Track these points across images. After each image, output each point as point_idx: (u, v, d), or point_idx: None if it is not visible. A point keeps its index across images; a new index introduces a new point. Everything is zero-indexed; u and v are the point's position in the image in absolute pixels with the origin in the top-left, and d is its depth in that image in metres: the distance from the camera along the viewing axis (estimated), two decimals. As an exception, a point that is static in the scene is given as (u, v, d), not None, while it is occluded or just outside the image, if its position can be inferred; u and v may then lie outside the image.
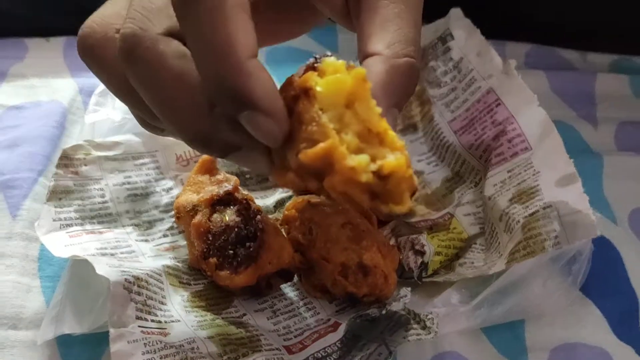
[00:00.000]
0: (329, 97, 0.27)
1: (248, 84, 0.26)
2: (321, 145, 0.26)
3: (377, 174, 0.26)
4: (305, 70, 0.29)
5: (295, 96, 0.28)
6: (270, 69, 0.61)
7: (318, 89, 0.27)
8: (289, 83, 0.29)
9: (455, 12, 0.53)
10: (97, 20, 0.32)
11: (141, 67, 0.29)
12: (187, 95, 0.28)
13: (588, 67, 0.63)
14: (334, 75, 0.28)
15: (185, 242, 0.43)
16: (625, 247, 0.47)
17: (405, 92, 0.30)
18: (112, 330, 0.33)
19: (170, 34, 0.29)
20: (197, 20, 0.26)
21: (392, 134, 0.27)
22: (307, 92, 0.27)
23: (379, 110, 0.28)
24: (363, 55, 0.30)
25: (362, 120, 0.28)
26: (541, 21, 0.64)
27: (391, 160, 0.26)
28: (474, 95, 0.49)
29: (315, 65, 0.28)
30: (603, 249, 0.47)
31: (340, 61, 0.28)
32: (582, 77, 0.61)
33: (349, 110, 0.28)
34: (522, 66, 0.63)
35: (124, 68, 0.29)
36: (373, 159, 0.27)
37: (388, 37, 0.30)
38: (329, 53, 0.29)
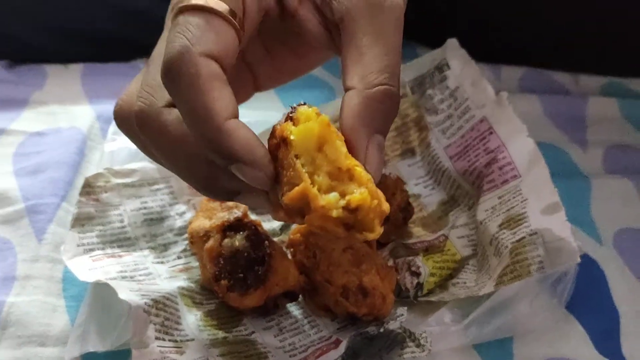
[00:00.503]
0: (301, 144, 0.31)
1: (228, 142, 0.30)
2: (296, 188, 0.31)
3: (347, 208, 0.30)
4: (285, 120, 0.33)
5: (277, 144, 0.32)
6: (279, 95, 0.65)
7: (292, 137, 0.31)
8: (273, 131, 0.33)
9: (452, 43, 0.55)
10: (124, 98, 0.38)
11: (150, 135, 0.34)
12: (187, 154, 0.33)
13: (580, 90, 0.66)
14: (304, 123, 0.32)
15: (197, 264, 0.47)
16: (609, 267, 0.50)
17: (384, 119, 0.34)
18: (134, 352, 0.37)
19: (172, 104, 0.34)
20: (179, 94, 0.31)
21: (359, 170, 0.31)
22: (284, 141, 0.32)
23: (344, 150, 0.32)
24: (344, 90, 0.34)
25: (331, 161, 0.32)
26: (535, 45, 0.68)
27: (356, 195, 0.30)
28: (469, 123, 0.52)
29: (291, 115, 0.33)
30: (588, 268, 0.50)
31: (312, 109, 0.32)
32: (574, 101, 0.64)
33: (320, 154, 0.32)
34: (517, 90, 0.66)
35: (140, 136, 0.35)
36: (343, 195, 0.31)
37: (361, 70, 0.33)
38: (302, 102, 0.33)
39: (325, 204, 0.30)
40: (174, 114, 0.33)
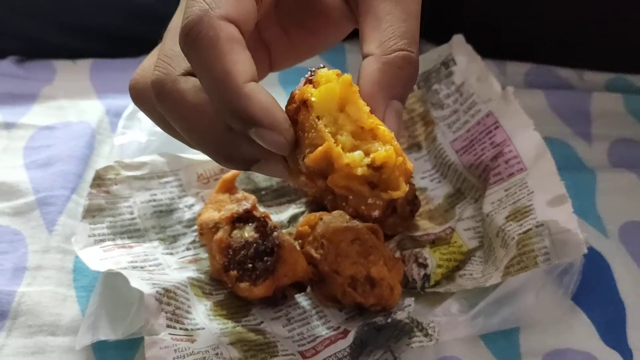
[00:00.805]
0: (322, 105, 0.31)
1: (248, 106, 0.30)
2: (319, 149, 0.31)
3: (372, 166, 0.30)
4: (304, 84, 0.33)
5: (297, 108, 0.32)
6: (283, 90, 0.65)
7: (313, 99, 0.31)
8: (291, 97, 0.33)
9: (458, 38, 0.56)
10: (139, 72, 0.38)
11: (167, 104, 0.33)
12: (205, 121, 0.33)
13: (585, 85, 0.66)
14: (325, 84, 0.32)
15: (206, 255, 0.47)
16: (615, 260, 0.50)
17: (403, 85, 0.33)
18: (146, 338, 0.37)
19: (189, 73, 0.33)
20: (198, 59, 0.31)
21: (382, 128, 0.31)
22: (305, 103, 0.31)
23: (367, 109, 0.31)
24: (362, 58, 0.34)
25: (354, 121, 0.31)
26: (540, 41, 0.68)
27: (381, 152, 0.30)
28: (474, 117, 0.52)
29: (311, 78, 0.32)
30: (594, 261, 0.50)
31: (332, 71, 0.32)
32: (578, 96, 0.64)
33: (342, 114, 0.32)
34: (522, 85, 0.66)
35: (157, 107, 0.34)
36: (367, 154, 0.31)
37: (379, 36, 0.33)
38: (322, 65, 0.33)
39: (349, 161, 0.30)
40: (191, 82, 0.33)
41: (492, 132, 0.51)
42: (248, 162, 0.34)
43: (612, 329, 0.46)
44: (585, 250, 0.42)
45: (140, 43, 0.66)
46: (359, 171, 0.30)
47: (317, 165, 0.31)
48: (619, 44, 0.66)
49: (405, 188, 0.31)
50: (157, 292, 0.39)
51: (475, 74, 0.54)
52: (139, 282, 0.39)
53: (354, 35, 0.77)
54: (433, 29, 0.69)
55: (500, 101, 0.51)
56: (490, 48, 0.64)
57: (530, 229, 0.43)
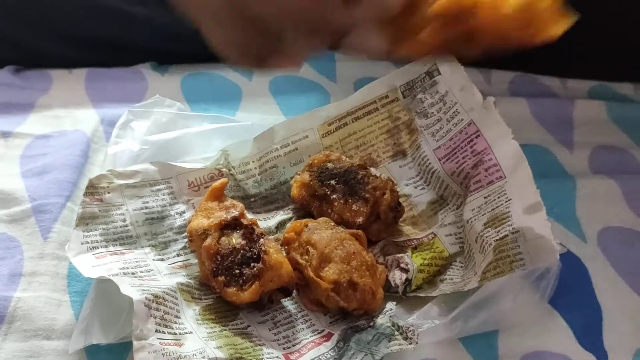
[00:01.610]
0: None
1: None
2: None
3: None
4: None
5: None
6: (276, 99, 0.67)
7: None
8: None
9: (441, 49, 0.57)
10: None
11: None
12: None
13: (568, 93, 0.68)
14: None
15: (196, 261, 0.49)
16: (593, 264, 0.52)
17: None
18: (135, 343, 0.39)
19: None
20: None
21: None
22: None
23: None
24: None
25: None
26: (525, 50, 0.69)
27: None
28: (457, 126, 0.54)
29: None
30: (572, 265, 0.52)
31: None
32: (561, 104, 0.66)
33: None
34: (507, 93, 0.68)
35: None
36: None
37: None
38: None
39: None
40: None
41: (474, 140, 0.52)
42: (338, 38, 0.29)
43: (588, 332, 0.48)
44: (558, 257, 0.43)
45: (135, 52, 0.68)
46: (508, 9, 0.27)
47: (450, 10, 0.28)
48: (602, 52, 0.67)
49: (557, 30, 0.28)
50: (146, 298, 0.41)
51: (458, 84, 0.55)
52: (129, 288, 0.41)
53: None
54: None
55: (481, 110, 0.53)
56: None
57: (506, 235, 0.45)
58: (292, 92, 0.66)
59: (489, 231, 0.47)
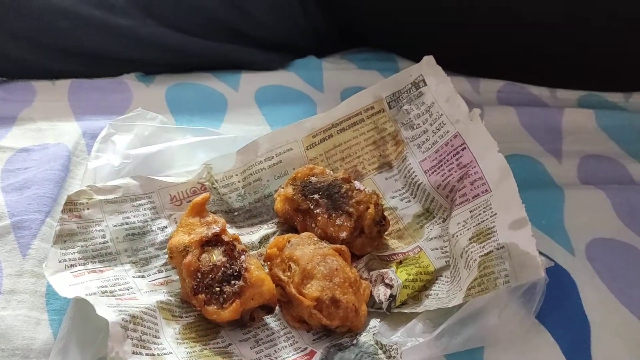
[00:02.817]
0: None
1: None
2: None
3: None
4: None
5: None
6: (262, 111, 0.66)
7: None
8: None
9: (428, 59, 0.57)
10: None
11: None
12: None
13: (557, 102, 0.67)
14: None
15: (177, 277, 0.48)
16: (581, 277, 0.51)
17: None
18: (110, 365, 0.38)
19: None
20: None
21: None
22: None
23: None
24: None
25: None
26: (513, 60, 0.69)
27: None
28: (443, 138, 0.53)
29: None
30: (560, 278, 0.51)
31: None
32: (550, 113, 0.65)
33: None
34: (495, 102, 0.67)
35: None
36: None
37: None
38: None
39: None
40: None
41: (460, 153, 0.52)
42: None
43: (576, 347, 0.47)
44: (543, 274, 0.42)
45: (118, 64, 0.68)
46: None
47: None
48: (592, 62, 0.67)
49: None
50: (122, 319, 0.40)
51: (444, 95, 0.55)
52: (105, 309, 0.40)
53: (331, 52, 0.78)
54: (408, 45, 0.70)
55: (467, 122, 0.52)
56: (464, 65, 0.65)
57: (491, 251, 0.44)
58: (278, 102, 0.66)
59: (474, 246, 0.46)
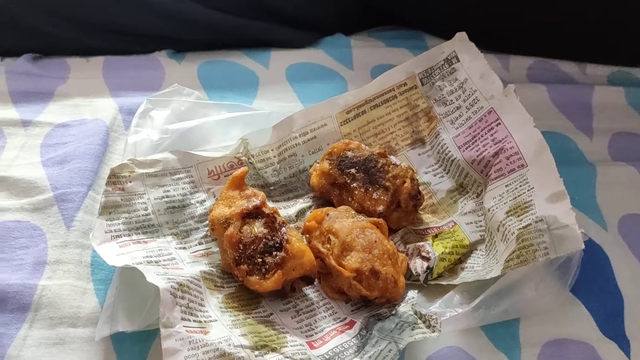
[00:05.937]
0: None
1: None
2: None
3: None
4: None
5: None
6: (294, 87, 0.67)
7: None
8: None
9: (461, 36, 0.57)
10: None
11: None
12: None
13: (587, 79, 0.67)
14: None
15: (217, 249, 0.49)
16: (614, 252, 0.52)
17: None
18: (162, 330, 0.39)
19: None
20: None
21: None
22: None
23: None
24: None
25: None
26: (543, 34, 0.69)
27: None
28: (477, 114, 0.54)
29: None
30: (593, 253, 0.52)
31: None
32: (580, 90, 0.65)
33: None
34: (525, 79, 0.67)
35: None
36: None
37: None
38: None
39: None
40: None
41: (494, 128, 0.52)
42: None
43: (610, 320, 0.48)
44: (583, 246, 0.43)
45: (152, 40, 0.68)
46: None
47: None
48: (621, 37, 0.67)
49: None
50: (171, 286, 0.41)
51: (478, 71, 0.55)
52: (155, 277, 0.41)
53: (360, 29, 0.78)
54: (437, 23, 0.70)
55: (502, 98, 0.52)
56: (494, 42, 0.65)
57: (529, 224, 0.45)
58: (309, 79, 0.66)
59: (511, 219, 0.47)
